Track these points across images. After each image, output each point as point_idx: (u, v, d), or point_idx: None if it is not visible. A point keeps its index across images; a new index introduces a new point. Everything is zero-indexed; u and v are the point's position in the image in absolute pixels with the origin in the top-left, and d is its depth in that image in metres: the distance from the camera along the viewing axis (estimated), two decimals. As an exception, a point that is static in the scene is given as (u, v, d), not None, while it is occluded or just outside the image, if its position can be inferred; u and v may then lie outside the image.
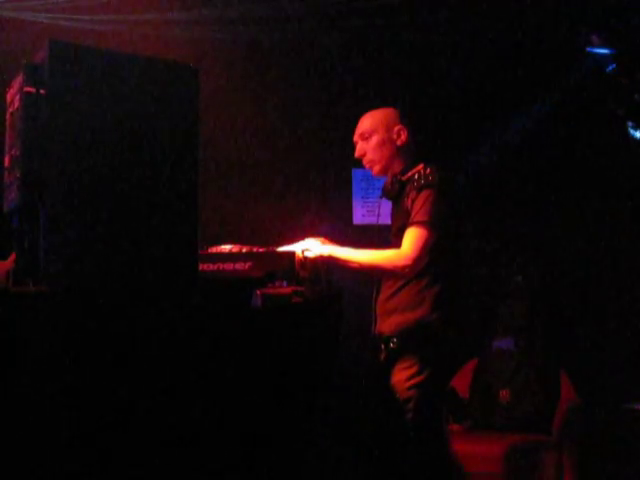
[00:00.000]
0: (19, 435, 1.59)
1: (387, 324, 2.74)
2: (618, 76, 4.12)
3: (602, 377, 4.48)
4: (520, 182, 4.92)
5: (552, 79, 4.68)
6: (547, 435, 4.13)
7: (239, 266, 2.20)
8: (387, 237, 2.81)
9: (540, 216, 4.90)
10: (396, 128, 2.80)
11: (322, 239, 2.67)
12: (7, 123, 1.86)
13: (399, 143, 2.80)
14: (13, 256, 1.81)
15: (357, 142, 2.86)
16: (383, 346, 2.74)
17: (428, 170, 2.69)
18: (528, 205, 4.92)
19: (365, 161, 2.85)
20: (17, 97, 1.77)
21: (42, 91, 1.71)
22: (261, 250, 2.31)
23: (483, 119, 4.81)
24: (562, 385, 4.26)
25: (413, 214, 2.62)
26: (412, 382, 2.63)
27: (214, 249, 2.37)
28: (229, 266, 2.20)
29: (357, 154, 2.85)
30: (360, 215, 5.06)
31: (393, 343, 2.69)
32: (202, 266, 2.10)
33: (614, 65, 4.17)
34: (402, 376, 2.65)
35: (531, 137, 4.88)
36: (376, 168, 2.84)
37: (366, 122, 2.84)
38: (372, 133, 2.81)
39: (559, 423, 4.12)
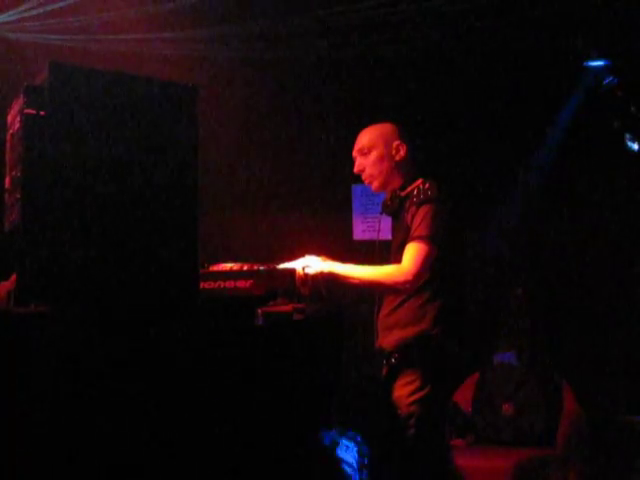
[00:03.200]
0: (21, 453, 1.59)
1: (388, 339, 2.74)
2: (615, 89, 4.14)
3: (605, 389, 4.46)
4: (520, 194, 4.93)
5: (552, 93, 4.70)
6: (551, 448, 4.11)
7: (240, 284, 2.20)
8: (387, 253, 2.81)
9: (540, 228, 4.91)
10: (395, 143, 2.81)
11: (322, 257, 2.67)
12: (8, 145, 1.87)
13: (398, 158, 2.80)
14: (14, 277, 1.81)
15: (356, 157, 2.86)
16: (385, 361, 2.74)
17: (427, 185, 2.70)
18: (527, 217, 4.93)
19: (364, 176, 2.86)
20: (17, 119, 1.79)
21: (42, 113, 1.72)
22: (262, 268, 2.31)
23: (483, 131, 4.83)
24: (565, 398, 4.25)
25: (413, 229, 2.63)
26: (414, 398, 2.62)
27: (215, 267, 2.38)
28: (230, 284, 2.20)
29: (356, 169, 2.86)
30: (360, 231, 5.07)
31: (394, 358, 2.69)
32: (203, 284, 2.10)
33: (611, 78, 4.19)
34: (404, 392, 2.64)
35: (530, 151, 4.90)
36: (375, 184, 2.85)
37: (365, 137, 2.85)
38: (371, 149, 2.82)
39: (563, 436, 4.11)
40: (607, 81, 4.37)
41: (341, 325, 2.61)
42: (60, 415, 1.63)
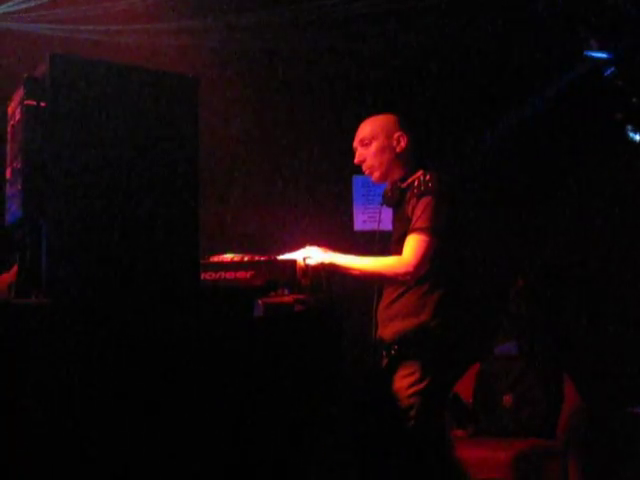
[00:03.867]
0: (21, 447, 1.59)
1: (388, 330, 2.74)
2: (616, 80, 4.14)
3: (606, 381, 4.47)
4: (520, 186, 4.93)
5: (551, 82, 4.69)
6: (552, 439, 4.12)
7: (241, 275, 2.20)
8: (388, 244, 2.81)
9: (541, 219, 4.91)
10: (396, 135, 2.81)
11: (323, 248, 2.67)
12: (8, 136, 1.87)
13: (398, 150, 2.80)
14: (15, 268, 1.82)
15: (357, 148, 2.86)
16: (384, 353, 2.74)
17: (428, 176, 2.69)
18: (528, 208, 4.93)
19: (365, 167, 2.86)
20: (18, 110, 1.79)
21: (43, 104, 1.72)
22: (262, 259, 2.31)
23: (480, 122, 4.83)
24: (566, 389, 4.26)
25: (414, 221, 2.63)
26: (413, 390, 2.62)
27: (216, 258, 2.38)
28: (231, 275, 2.21)
29: (357, 160, 2.86)
30: (361, 222, 5.07)
31: (394, 350, 2.69)
32: (204, 275, 2.11)
33: (612, 69, 4.18)
34: (403, 384, 2.64)
35: (530, 140, 4.89)
36: (376, 174, 2.85)
37: (366, 128, 2.84)
38: (372, 139, 2.81)
39: (563, 427, 4.12)
40: (608, 72, 4.36)
41: (341, 316, 2.61)
42: (60, 408, 1.63)
